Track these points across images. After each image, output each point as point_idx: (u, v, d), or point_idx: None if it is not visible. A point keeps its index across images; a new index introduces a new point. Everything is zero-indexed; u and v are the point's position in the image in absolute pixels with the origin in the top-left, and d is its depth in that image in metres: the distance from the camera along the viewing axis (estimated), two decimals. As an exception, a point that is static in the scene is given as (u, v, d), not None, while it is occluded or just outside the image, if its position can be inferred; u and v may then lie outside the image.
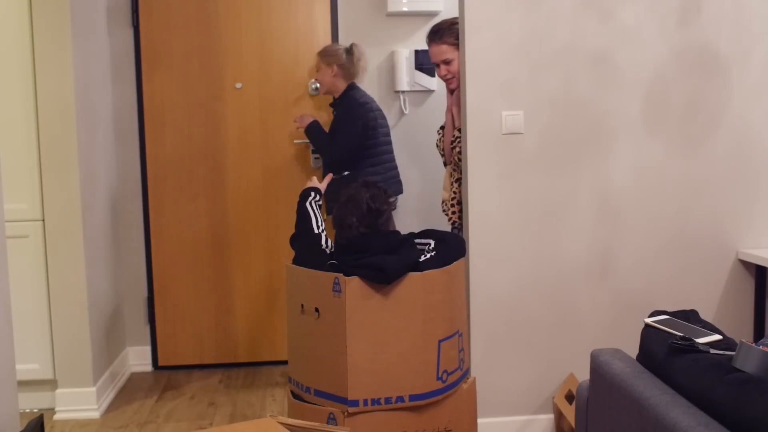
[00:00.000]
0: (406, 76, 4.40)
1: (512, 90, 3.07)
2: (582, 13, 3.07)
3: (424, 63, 4.30)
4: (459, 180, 3.30)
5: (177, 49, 4.25)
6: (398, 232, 2.69)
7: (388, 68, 4.43)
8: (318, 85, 4.26)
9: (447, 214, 3.38)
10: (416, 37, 4.39)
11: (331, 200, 3.94)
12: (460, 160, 3.24)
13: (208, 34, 4.25)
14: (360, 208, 2.57)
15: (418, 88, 4.42)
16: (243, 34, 4.27)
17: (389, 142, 4.09)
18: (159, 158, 4.28)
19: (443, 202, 3.43)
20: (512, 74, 3.07)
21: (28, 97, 3.56)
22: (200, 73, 4.25)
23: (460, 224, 3.31)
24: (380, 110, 4.07)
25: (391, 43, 4.42)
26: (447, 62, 3.30)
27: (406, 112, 4.46)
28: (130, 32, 4.25)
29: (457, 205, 3.32)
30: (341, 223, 2.58)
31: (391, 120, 4.46)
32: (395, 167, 4.15)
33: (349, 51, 4.02)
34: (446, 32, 3.28)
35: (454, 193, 3.33)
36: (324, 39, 4.32)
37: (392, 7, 4.30)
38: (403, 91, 4.43)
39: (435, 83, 4.35)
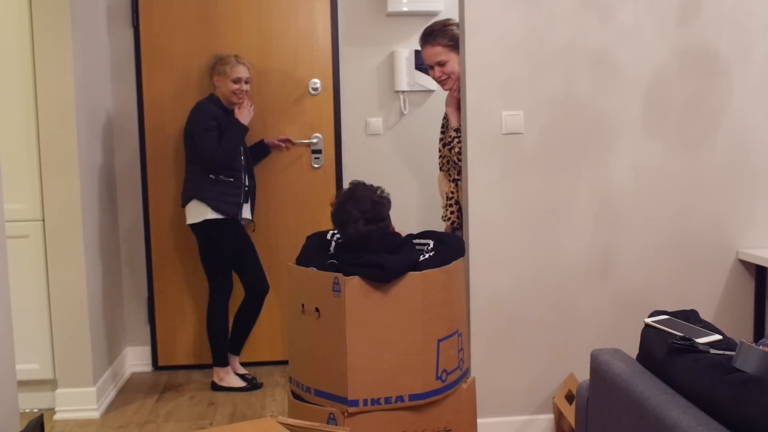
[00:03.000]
0: (406, 76, 4.40)
1: (512, 90, 3.07)
2: (582, 13, 3.07)
3: (423, 63, 4.29)
4: (455, 180, 3.30)
5: (177, 49, 4.25)
6: (399, 234, 2.69)
7: (388, 68, 4.43)
8: (318, 84, 4.29)
9: (446, 215, 3.38)
10: (416, 37, 4.36)
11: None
12: (459, 160, 3.24)
13: (208, 34, 4.25)
14: (364, 203, 2.57)
15: (417, 88, 4.43)
16: (243, 34, 4.27)
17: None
18: (159, 158, 4.28)
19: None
20: (512, 74, 3.07)
21: (28, 97, 3.56)
22: (200, 73, 4.24)
23: (459, 224, 3.32)
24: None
25: (391, 43, 4.42)
26: (441, 64, 3.31)
27: (405, 112, 4.46)
28: (130, 32, 4.25)
29: (455, 205, 3.32)
30: (344, 220, 2.58)
31: (390, 120, 4.47)
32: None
33: None
34: (439, 34, 3.30)
35: (452, 192, 3.33)
36: (324, 39, 4.33)
37: (392, 7, 4.31)
38: (402, 91, 4.44)
39: (435, 84, 4.35)
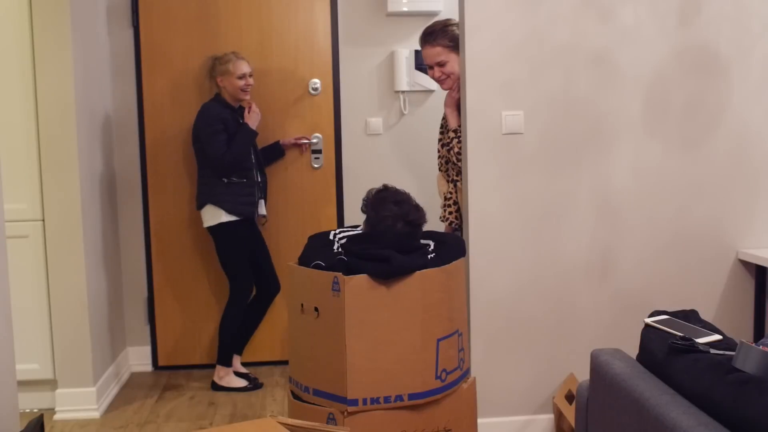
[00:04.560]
0: (406, 76, 4.41)
1: (512, 90, 3.07)
2: (582, 13, 3.07)
3: (423, 63, 4.30)
4: (454, 181, 3.30)
5: (177, 49, 4.25)
6: (418, 241, 2.67)
7: (388, 68, 4.43)
8: (318, 84, 4.30)
9: (444, 215, 3.38)
10: (416, 37, 4.34)
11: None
12: (458, 161, 3.24)
13: (208, 34, 4.25)
14: (407, 205, 2.59)
15: (417, 88, 4.43)
16: (243, 34, 4.27)
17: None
18: (159, 158, 4.29)
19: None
20: (512, 74, 3.07)
21: (28, 97, 3.56)
22: (200, 73, 4.24)
23: (458, 224, 3.32)
24: None
25: (391, 43, 4.42)
26: (441, 64, 3.31)
27: (405, 112, 4.46)
28: (130, 32, 4.25)
29: (453, 205, 3.32)
30: (385, 215, 2.56)
31: (390, 120, 4.47)
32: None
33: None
34: (440, 34, 3.30)
35: (450, 193, 3.33)
36: (324, 39, 4.33)
37: (392, 7, 4.31)
38: (402, 91, 4.44)
39: (435, 84, 4.34)
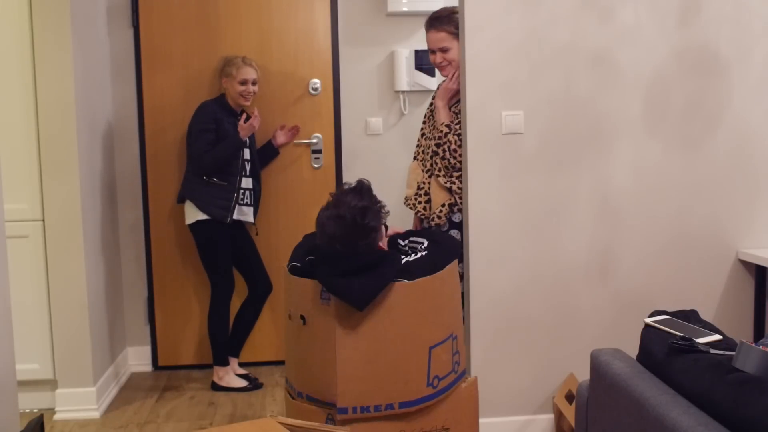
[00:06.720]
0: (406, 76, 4.41)
1: (512, 90, 3.07)
2: (582, 13, 3.07)
3: (424, 63, 4.31)
4: (433, 173, 3.31)
5: (177, 49, 4.25)
6: (378, 251, 2.50)
7: (388, 68, 4.43)
8: (318, 84, 4.30)
9: (413, 204, 3.40)
10: (416, 37, 4.39)
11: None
12: (452, 157, 3.24)
13: (208, 34, 4.25)
14: (345, 226, 2.40)
15: (417, 88, 4.43)
16: (243, 34, 4.27)
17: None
18: (159, 158, 4.28)
19: (406, 198, 3.44)
20: (512, 74, 3.07)
21: (28, 97, 3.56)
22: (200, 73, 4.25)
23: (424, 215, 3.33)
24: None
25: (391, 43, 4.42)
26: (444, 50, 3.33)
27: (405, 112, 4.46)
28: (130, 32, 4.25)
29: (424, 196, 3.34)
30: (322, 231, 2.45)
31: (390, 120, 4.47)
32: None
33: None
34: (446, 20, 3.32)
35: (423, 183, 3.34)
36: (324, 39, 4.33)
37: (392, 7, 4.31)
38: (402, 91, 4.44)
39: (435, 83, 4.36)
